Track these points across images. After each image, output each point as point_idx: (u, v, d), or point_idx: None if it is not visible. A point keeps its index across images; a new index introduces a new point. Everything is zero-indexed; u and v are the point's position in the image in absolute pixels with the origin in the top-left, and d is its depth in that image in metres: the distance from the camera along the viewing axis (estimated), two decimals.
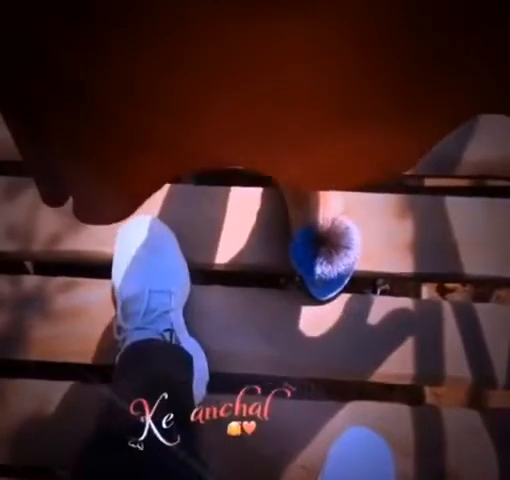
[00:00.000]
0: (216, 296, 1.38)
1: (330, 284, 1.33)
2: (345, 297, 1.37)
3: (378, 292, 1.54)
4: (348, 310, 1.36)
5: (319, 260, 1.29)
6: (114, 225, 1.35)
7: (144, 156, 0.75)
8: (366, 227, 1.36)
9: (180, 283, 1.31)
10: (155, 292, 1.24)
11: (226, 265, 1.39)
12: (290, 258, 1.32)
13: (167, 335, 1.19)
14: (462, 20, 0.51)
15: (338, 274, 1.30)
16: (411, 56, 0.55)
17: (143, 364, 1.11)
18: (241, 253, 1.39)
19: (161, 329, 1.20)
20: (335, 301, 1.37)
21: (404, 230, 1.40)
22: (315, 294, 1.35)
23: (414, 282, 1.48)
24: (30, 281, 1.41)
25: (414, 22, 0.51)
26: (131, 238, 1.32)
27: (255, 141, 0.69)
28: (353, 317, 1.36)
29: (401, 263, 1.38)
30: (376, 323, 1.36)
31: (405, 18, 0.50)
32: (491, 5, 0.50)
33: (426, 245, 1.39)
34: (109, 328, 1.33)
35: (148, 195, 0.89)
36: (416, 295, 1.49)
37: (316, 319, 1.36)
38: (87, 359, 1.35)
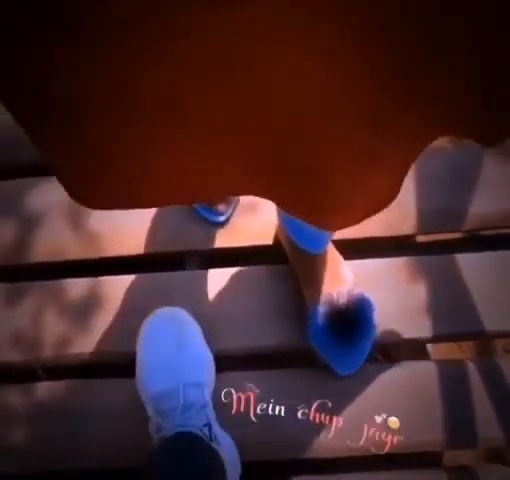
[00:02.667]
0: (235, 382, 1.34)
1: (352, 361, 1.31)
2: (367, 368, 1.34)
3: None
4: (370, 381, 1.33)
5: (340, 339, 1.27)
6: (125, 324, 1.36)
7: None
8: (376, 295, 1.33)
9: (210, 373, 1.28)
10: (189, 386, 1.21)
11: (241, 349, 1.36)
12: (308, 338, 1.29)
13: (206, 430, 1.16)
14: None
15: (360, 350, 1.28)
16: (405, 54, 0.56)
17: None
18: (255, 335, 1.36)
19: (200, 424, 1.17)
20: (357, 374, 1.33)
21: (415, 293, 1.38)
22: (338, 370, 1.32)
23: (431, 344, 1.45)
24: (43, 388, 1.36)
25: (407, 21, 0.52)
26: (155, 331, 1.28)
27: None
28: (376, 387, 1.33)
29: (416, 327, 1.36)
30: (399, 391, 1.33)
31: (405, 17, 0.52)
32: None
33: (439, 305, 1.37)
34: (132, 429, 1.29)
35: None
36: (434, 357, 1.46)
37: (340, 393, 1.32)
38: (110, 463, 1.31)
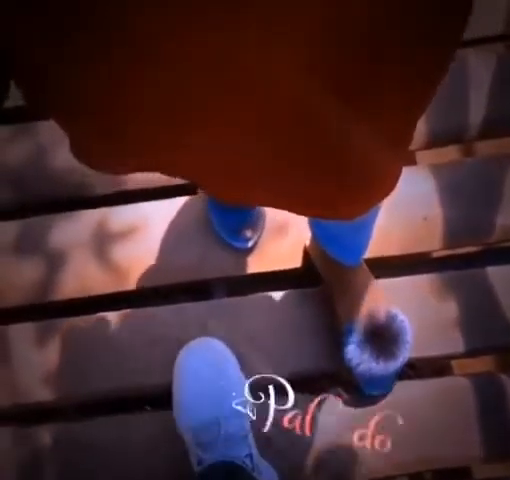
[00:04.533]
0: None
1: (385, 381, 1.30)
2: (400, 385, 1.33)
3: None
4: (406, 399, 1.32)
5: (376, 359, 1.26)
6: (158, 356, 1.35)
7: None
8: (405, 312, 1.31)
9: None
10: (229, 417, 1.19)
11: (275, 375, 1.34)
12: (343, 354, 1.28)
13: (248, 461, 1.15)
14: None
15: (393, 371, 1.28)
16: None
17: None
18: (288, 360, 1.35)
19: (242, 455, 1.15)
20: (393, 393, 1.32)
21: (444, 309, 1.37)
22: (367, 390, 1.31)
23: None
24: (75, 426, 1.35)
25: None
26: (192, 362, 1.26)
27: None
28: (413, 405, 1.32)
29: (447, 342, 1.36)
30: (431, 406, 1.32)
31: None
32: None
33: (469, 320, 1.36)
34: (168, 461, 1.28)
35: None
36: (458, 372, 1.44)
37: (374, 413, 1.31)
38: None
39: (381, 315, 1.26)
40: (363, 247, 1.25)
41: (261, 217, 1.39)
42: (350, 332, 1.27)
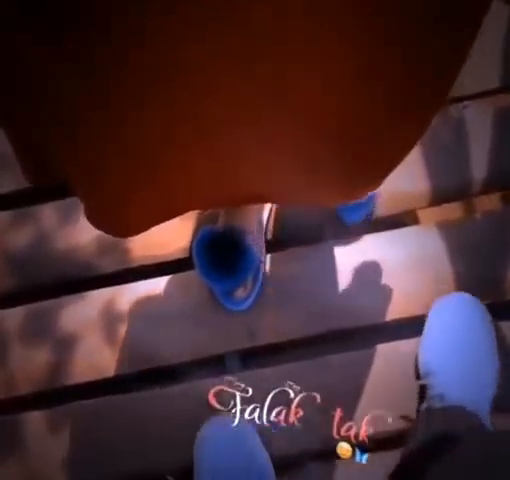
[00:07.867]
0: None
1: (359, 208, 1.44)
2: None
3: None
4: None
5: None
6: (177, 437, 1.32)
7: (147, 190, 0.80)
8: None
9: None
10: None
11: (294, 451, 1.31)
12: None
13: None
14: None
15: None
16: None
17: None
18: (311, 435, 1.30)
19: None
20: None
21: None
22: (345, 219, 1.46)
23: None
24: None
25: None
26: (212, 440, 1.24)
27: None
28: None
29: None
30: None
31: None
32: None
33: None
34: None
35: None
36: None
37: None
38: None
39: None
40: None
41: (253, 275, 1.36)
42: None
